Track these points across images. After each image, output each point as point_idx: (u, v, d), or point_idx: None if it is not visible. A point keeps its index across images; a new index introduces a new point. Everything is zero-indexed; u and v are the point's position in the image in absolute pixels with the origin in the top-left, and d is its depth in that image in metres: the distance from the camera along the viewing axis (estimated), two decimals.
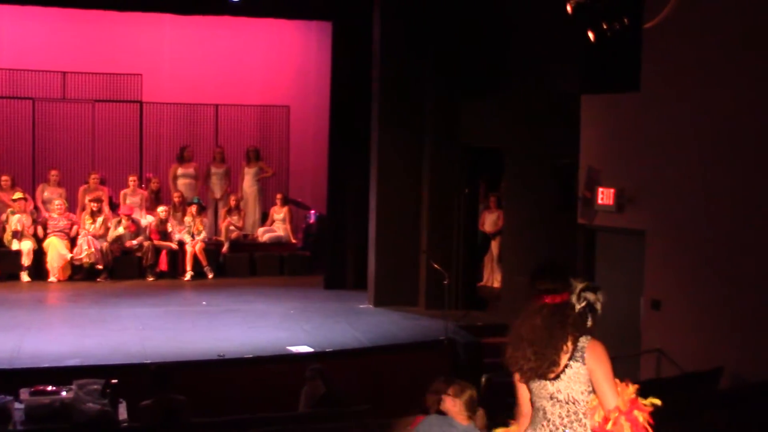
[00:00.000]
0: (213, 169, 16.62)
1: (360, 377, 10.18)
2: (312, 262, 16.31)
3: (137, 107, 16.81)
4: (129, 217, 15.22)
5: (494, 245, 14.85)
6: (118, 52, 16.75)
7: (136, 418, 7.79)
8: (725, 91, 9.25)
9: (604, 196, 10.58)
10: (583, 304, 4.10)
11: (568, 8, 9.27)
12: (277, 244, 16.37)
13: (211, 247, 15.77)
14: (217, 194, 16.54)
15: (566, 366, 4.04)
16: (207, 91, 17.22)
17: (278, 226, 16.49)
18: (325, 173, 15.47)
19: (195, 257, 15.29)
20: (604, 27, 9.17)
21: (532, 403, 4.18)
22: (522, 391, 4.23)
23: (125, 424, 7.80)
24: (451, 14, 13.21)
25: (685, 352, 9.52)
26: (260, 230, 16.48)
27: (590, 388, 4.07)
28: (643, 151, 10.24)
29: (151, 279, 15.07)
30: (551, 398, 4.08)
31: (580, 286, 4.12)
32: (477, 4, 12.92)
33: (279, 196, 16.69)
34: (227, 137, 17.45)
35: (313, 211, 17.29)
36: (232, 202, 16.31)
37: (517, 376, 4.20)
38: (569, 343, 4.04)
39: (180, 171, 16.33)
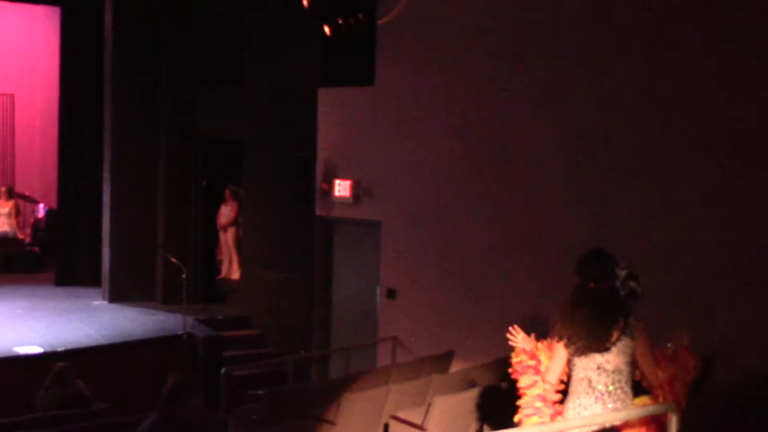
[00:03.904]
0: None
1: (96, 376, 9.83)
2: (42, 259, 15.71)
3: None
4: None
5: (229, 237, 14.56)
6: None
7: None
8: (455, 85, 9.67)
9: (341, 188, 10.81)
10: (627, 291, 4.64)
11: (304, 2, 9.40)
12: (2, 240, 15.49)
13: None
14: None
15: (617, 340, 4.60)
16: None
17: (3, 222, 15.58)
18: (55, 165, 14.82)
19: None
20: (340, 22, 9.38)
21: (573, 375, 4.70)
22: (559, 363, 4.73)
23: None
24: (188, 5, 13.01)
25: (419, 338, 9.91)
26: None
27: (632, 360, 4.65)
28: (378, 143, 10.54)
29: None
30: (598, 368, 4.62)
31: (623, 273, 4.64)
32: None
33: (3, 189, 15.76)
34: None
35: (42, 205, 16.54)
36: None
37: (560, 351, 4.69)
38: (621, 323, 4.60)
39: None
